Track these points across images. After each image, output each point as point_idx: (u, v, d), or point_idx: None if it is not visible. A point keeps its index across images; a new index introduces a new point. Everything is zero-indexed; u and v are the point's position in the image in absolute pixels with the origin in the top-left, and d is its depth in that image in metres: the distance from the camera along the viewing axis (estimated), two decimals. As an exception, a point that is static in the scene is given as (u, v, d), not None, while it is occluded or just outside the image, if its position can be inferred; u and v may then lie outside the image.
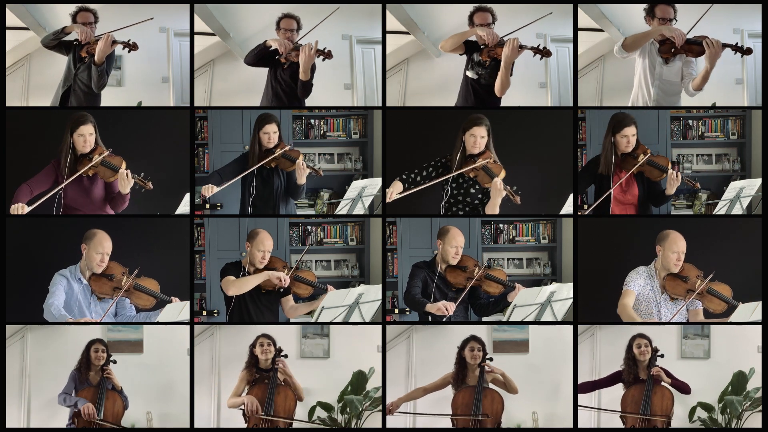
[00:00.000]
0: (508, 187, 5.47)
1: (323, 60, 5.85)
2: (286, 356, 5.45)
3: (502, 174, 5.48)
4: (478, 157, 5.52)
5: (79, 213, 5.51)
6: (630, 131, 5.48)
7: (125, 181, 5.43)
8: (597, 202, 5.50)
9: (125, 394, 5.43)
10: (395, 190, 5.50)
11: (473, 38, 5.81)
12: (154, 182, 5.51)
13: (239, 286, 5.39)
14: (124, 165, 5.44)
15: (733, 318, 5.30)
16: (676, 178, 5.44)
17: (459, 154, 5.53)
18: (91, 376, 5.41)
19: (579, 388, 5.54)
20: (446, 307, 5.27)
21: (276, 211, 5.79)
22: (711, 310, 5.34)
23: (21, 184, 5.41)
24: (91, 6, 5.83)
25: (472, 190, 5.58)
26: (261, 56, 5.88)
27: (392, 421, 5.69)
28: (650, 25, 5.76)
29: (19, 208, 5.31)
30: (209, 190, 5.58)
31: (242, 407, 5.35)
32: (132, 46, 5.73)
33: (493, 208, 5.51)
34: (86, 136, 5.43)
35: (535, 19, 5.72)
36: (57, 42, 5.78)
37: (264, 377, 5.39)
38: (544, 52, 5.68)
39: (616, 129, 5.50)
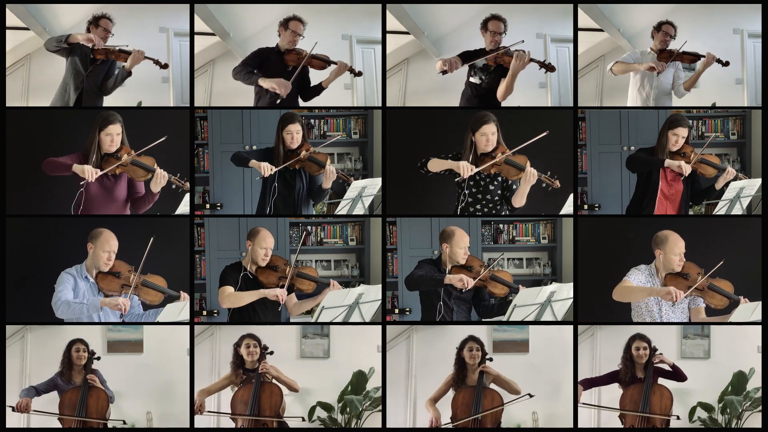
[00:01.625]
0: (543, 175, 5.45)
1: (354, 77, 6.06)
2: (271, 353, 5.44)
3: (528, 163, 5.46)
4: (492, 152, 5.50)
5: (97, 212, 5.50)
6: (682, 132, 5.63)
7: (160, 180, 5.46)
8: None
9: (111, 393, 5.43)
10: (466, 165, 5.43)
11: (472, 50, 5.91)
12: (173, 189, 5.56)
13: (234, 301, 5.37)
14: (156, 164, 5.49)
15: (733, 318, 5.30)
16: (730, 173, 5.63)
17: (471, 155, 5.51)
18: (74, 376, 5.42)
19: (580, 384, 5.53)
20: (466, 280, 5.28)
21: (297, 212, 5.78)
22: (713, 306, 5.35)
23: (48, 158, 5.38)
24: (107, 10, 5.85)
25: (491, 187, 5.56)
26: (248, 84, 5.88)
27: (392, 422, 5.70)
28: (654, 38, 6.10)
29: (92, 171, 5.33)
30: (267, 170, 5.56)
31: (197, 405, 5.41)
32: (163, 66, 5.82)
33: (521, 198, 5.49)
34: (113, 136, 5.46)
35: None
36: (59, 49, 5.80)
37: (251, 377, 5.39)
38: (549, 68, 5.79)
39: (671, 126, 5.64)
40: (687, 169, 5.57)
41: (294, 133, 5.67)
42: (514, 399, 5.39)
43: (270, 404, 5.35)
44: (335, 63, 5.93)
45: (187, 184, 5.54)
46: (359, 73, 6.04)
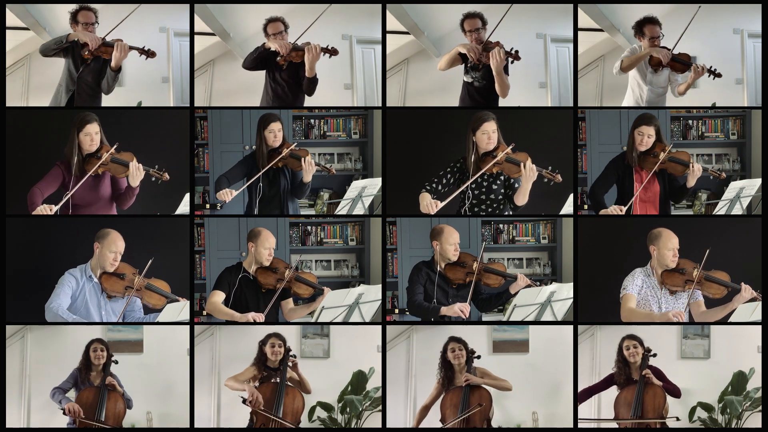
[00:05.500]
0: (544, 170, 5.44)
1: (329, 57, 5.87)
2: (294, 356, 5.45)
3: (529, 159, 5.45)
4: (494, 152, 5.50)
5: (85, 211, 5.51)
6: (647, 130, 5.56)
7: (136, 174, 5.44)
8: (629, 204, 5.58)
9: (128, 396, 5.43)
10: (430, 202, 5.42)
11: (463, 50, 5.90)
12: (153, 181, 5.51)
13: (212, 310, 5.42)
14: (135, 159, 5.47)
15: (733, 318, 5.30)
16: (697, 170, 5.53)
17: (473, 155, 5.51)
18: (92, 377, 5.41)
19: (579, 397, 5.52)
20: (462, 310, 5.28)
21: (283, 211, 5.78)
22: (711, 296, 5.35)
23: (31, 188, 5.41)
24: (92, 5, 5.82)
25: (494, 186, 5.56)
26: (260, 59, 5.88)
27: (392, 421, 5.70)
28: (641, 42, 5.98)
29: (46, 209, 5.32)
30: (227, 195, 5.58)
31: (243, 395, 5.29)
32: (149, 54, 5.75)
33: (524, 195, 5.46)
34: (92, 135, 5.45)
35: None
36: (59, 49, 5.77)
37: (272, 376, 5.38)
38: (515, 56, 5.74)
39: (636, 124, 5.59)
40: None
41: (276, 131, 5.68)
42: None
43: (292, 408, 5.35)
44: (305, 47, 5.83)
45: (166, 175, 5.50)
46: (334, 51, 5.85)
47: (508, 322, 5.49)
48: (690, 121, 6.88)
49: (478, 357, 5.46)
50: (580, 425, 5.60)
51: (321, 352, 6.00)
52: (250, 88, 6.11)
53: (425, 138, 6.37)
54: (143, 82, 6.17)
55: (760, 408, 5.69)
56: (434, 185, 5.51)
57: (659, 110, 6.30)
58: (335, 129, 6.99)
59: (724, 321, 5.40)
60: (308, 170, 5.66)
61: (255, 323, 5.33)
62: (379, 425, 5.70)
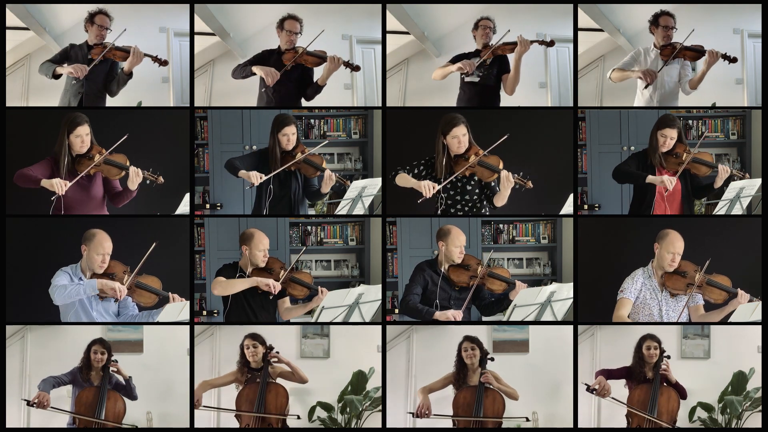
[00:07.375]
0: (516, 176, 5.46)
1: (351, 71, 6.00)
2: (277, 353, 5.43)
3: (501, 164, 5.48)
4: (465, 154, 5.51)
5: (76, 211, 5.50)
6: (670, 132, 5.58)
7: (135, 178, 5.44)
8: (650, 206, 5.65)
9: (133, 384, 5.42)
10: (428, 184, 5.42)
11: (467, 51, 5.97)
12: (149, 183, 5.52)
13: (224, 288, 5.39)
14: (128, 161, 5.47)
15: (733, 318, 5.30)
16: (723, 171, 5.58)
17: (444, 158, 5.52)
18: (92, 377, 5.41)
19: (596, 373, 5.48)
20: (455, 317, 5.29)
21: (294, 212, 5.78)
22: (713, 301, 5.35)
23: (20, 171, 5.38)
24: (105, 8, 5.83)
25: (469, 187, 5.57)
26: (246, 77, 5.91)
27: (392, 421, 5.70)
28: (654, 34, 5.97)
29: (60, 184, 5.31)
30: (256, 178, 5.54)
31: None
32: (162, 62, 5.78)
33: (503, 198, 5.51)
34: (83, 137, 5.44)
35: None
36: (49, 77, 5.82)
37: (256, 376, 5.39)
38: (549, 44, 5.90)
39: (659, 126, 5.61)
40: (670, 184, 5.53)
41: (290, 135, 5.67)
42: None
43: (276, 404, 5.35)
44: (327, 58, 5.88)
45: (161, 178, 5.51)
46: (357, 68, 6.00)
47: (508, 322, 5.49)
48: (690, 121, 6.89)
49: (492, 359, 5.45)
50: (581, 410, 5.59)
51: (321, 352, 6.00)
52: (250, 89, 6.11)
53: (425, 138, 6.36)
54: (143, 82, 6.17)
55: (760, 408, 5.70)
56: (407, 171, 5.53)
57: (659, 110, 6.30)
58: (335, 129, 6.99)
59: (724, 321, 5.40)
60: (327, 183, 5.66)
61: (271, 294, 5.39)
62: (379, 425, 5.70)
